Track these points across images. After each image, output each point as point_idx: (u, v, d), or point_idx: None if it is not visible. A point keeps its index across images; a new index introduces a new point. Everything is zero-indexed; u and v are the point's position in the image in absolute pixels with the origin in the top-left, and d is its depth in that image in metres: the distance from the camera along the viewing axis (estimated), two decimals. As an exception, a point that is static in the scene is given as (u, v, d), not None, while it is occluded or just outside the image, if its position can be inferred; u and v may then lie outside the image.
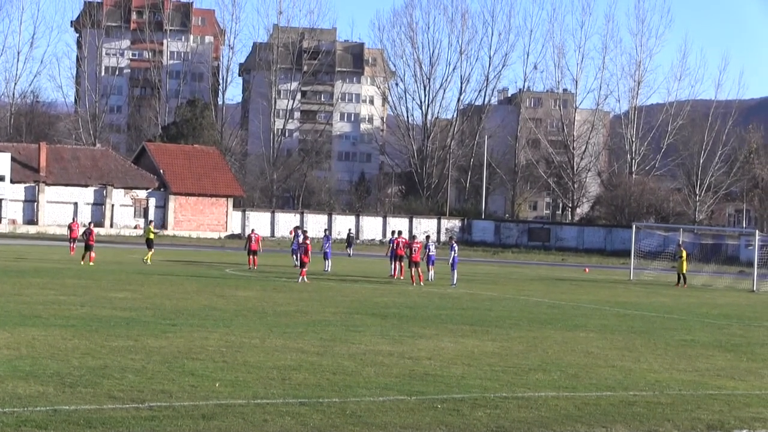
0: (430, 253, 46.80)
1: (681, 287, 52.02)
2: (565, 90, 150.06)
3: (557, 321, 29.19)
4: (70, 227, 60.43)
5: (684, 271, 53.73)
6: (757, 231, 62.26)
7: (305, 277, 41.86)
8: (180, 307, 27.81)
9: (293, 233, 56.52)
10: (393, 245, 48.27)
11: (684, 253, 54.85)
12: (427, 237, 50.22)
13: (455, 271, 44.65)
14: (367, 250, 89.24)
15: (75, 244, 57.57)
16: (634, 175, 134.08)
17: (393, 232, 53.10)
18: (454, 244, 46.67)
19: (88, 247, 49.75)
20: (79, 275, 39.73)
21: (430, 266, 46.64)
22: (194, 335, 21.47)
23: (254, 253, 51.55)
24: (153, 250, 53.26)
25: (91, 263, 48.19)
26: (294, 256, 54.36)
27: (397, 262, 47.34)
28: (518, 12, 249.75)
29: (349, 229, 71.67)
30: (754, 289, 52.28)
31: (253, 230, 57.05)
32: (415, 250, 44.52)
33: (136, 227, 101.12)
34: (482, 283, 46.96)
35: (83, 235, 51.94)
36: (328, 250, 52.80)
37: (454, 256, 44.90)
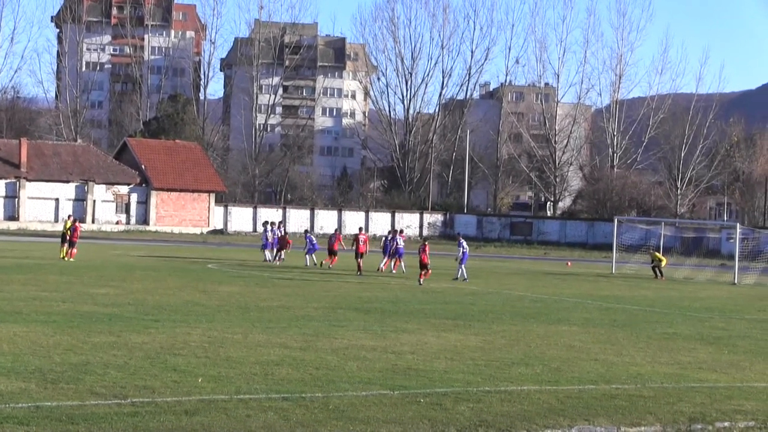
0: (398, 246, 48.63)
1: (660, 280, 52.68)
2: (546, 84, 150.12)
3: (540, 315, 29.26)
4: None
5: (662, 267, 54.41)
6: (738, 224, 62.54)
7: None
8: (162, 303, 27.76)
9: (272, 228, 56.14)
10: (386, 240, 49.97)
11: (657, 255, 55.43)
12: (401, 231, 52.19)
13: (463, 266, 45.15)
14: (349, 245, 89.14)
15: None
16: (615, 169, 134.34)
17: (394, 231, 54.39)
18: (462, 241, 47.01)
19: (71, 243, 49.54)
20: (61, 271, 39.61)
21: (400, 259, 48.73)
22: (177, 331, 21.44)
23: (361, 255, 48.01)
24: (66, 246, 50.18)
25: (71, 259, 48.06)
26: (264, 251, 54.45)
27: (392, 258, 48.96)
28: (500, 6, 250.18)
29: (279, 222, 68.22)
30: (736, 281, 52.50)
31: (360, 229, 53.85)
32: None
33: (117, 223, 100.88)
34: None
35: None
36: (314, 246, 52.69)
37: (463, 252, 45.52)
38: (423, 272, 41.31)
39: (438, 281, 43.42)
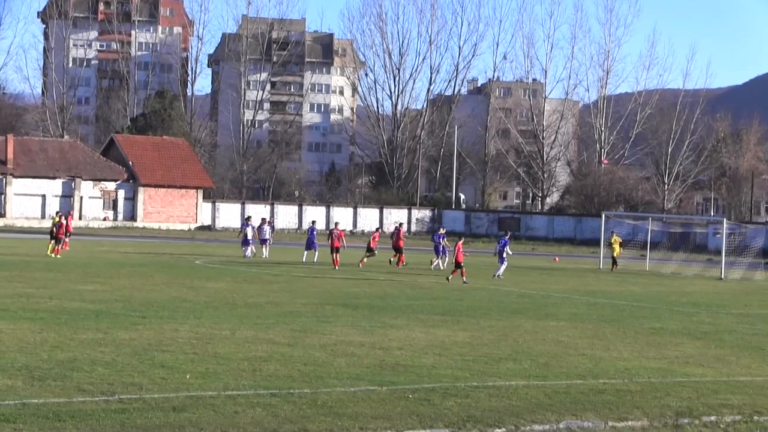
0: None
1: (614, 271, 54.69)
2: (534, 80, 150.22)
3: (527, 310, 29.29)
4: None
5: (616, 255, 56.49)
6: (724, 219, 62.67)
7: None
8: (150, 299, 27.72)
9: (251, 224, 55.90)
10: (436, 238, 51.47)
11: (614, 238, 56.58)
12: (400, 225, 53.72)
13: (504, 263, 45.44)
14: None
15: (68, 238, 55.72)
16: (603, 165, 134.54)
17: (398, 224, 56.91)
18: (502, 239, 47.36)
19: (57, 240, 49.33)
20: (48, 268, 39.52)
21: (402, 255, 50.49)
22: (164, 327, 21.41)
23: (336, 250, 47.70)
24: (53, 242, 49.73)
25: (58, 256, 47.90)
26: (245, 248, 54.22)
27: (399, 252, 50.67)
28: (487, 2, 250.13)
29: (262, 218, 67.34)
30: (722, 276, 52.59)
31: (336, 224, 52.71)
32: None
33: (105, 219, 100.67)
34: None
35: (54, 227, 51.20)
36: (313, 238, 52.28)
37: (498, 249, 45.98)
38: (458, 271, 40.94)
39: (428, 277, 43.47)
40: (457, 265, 41.18)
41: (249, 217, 58.82)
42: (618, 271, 55.15)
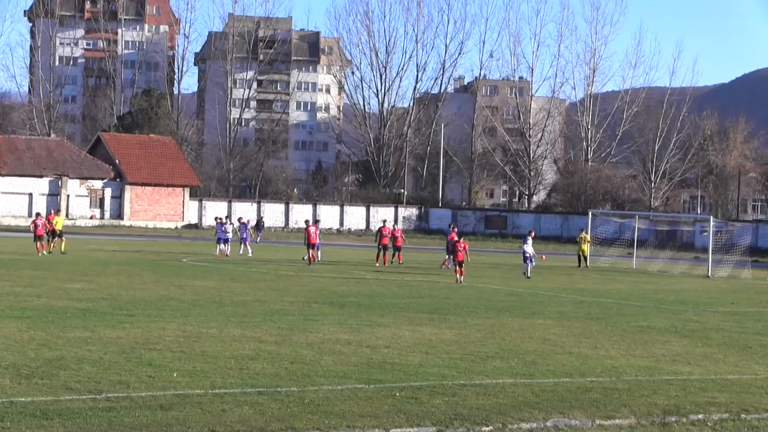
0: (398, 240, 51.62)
1: (582, 268, 55.07)
2: (521, 78, 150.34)
3: (514, 308, 29.31)
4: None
5: (585, 254, 56.83)
6: (711, 217, 62.82)
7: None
8: (137, 298, 27.67)
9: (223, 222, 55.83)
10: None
11: (582, 236, 57.08)
12: (385, 222, 54.28)
13: (529, 264, 45.66)
14: (326, 240, 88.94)
15: (54, 239, 55.47)
16: (590, 163, 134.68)
17: (383, 221, 57.06)
18: (529, 238, 47.57)
19: (37, 238, 49.03)
20: (35, 266, 39.43)
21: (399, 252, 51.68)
22: (151, 325, 21.38)
23: (313, 246, 48.54)
24: (63, 238, 51.38)
25: (44, 253, 47.75)
26: (219, 245, 53.97)
27: (383, 250, 50.66)
28: (474, 0, 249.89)
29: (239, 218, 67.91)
30: (709, 274, 52.71)
31: (307, 221, 53.40)
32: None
33: (92, 217, 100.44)
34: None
35: (31, 226, 51.01)
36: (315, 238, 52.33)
37: (525, 248, 46.29)
38: (459, 270, 40.50)
39: (413, 275, 43.47)
40: (459, 263, 40.74)
41: (227, 216, 59.01)
42: (583, 268, 55.05)
